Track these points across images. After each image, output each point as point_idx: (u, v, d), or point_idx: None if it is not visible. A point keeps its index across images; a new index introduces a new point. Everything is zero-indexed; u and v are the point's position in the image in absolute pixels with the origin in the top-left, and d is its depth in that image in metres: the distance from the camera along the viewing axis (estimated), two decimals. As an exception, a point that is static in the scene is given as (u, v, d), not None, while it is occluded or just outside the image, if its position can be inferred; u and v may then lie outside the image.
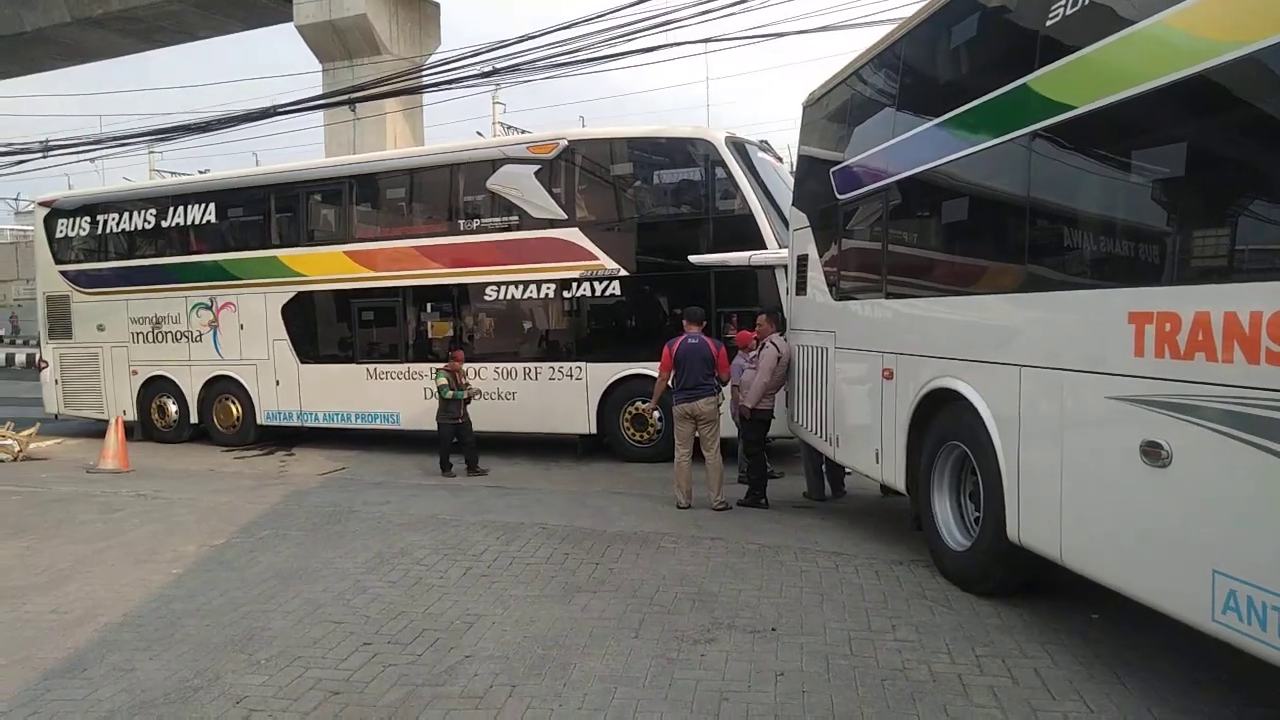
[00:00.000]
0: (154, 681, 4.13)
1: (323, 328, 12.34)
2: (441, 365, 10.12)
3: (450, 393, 9.77)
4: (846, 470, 7.79)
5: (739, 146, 10.30)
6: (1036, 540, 4.35)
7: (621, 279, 10.41)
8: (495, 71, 14.92)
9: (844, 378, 6.92)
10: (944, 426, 5.34)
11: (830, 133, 7.77)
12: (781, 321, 8.33)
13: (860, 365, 6.55)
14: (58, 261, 13.96)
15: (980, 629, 4.51)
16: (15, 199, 47.62)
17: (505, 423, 11.08)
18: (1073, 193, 4.31)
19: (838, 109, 7.51)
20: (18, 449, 11.67)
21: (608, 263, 10.41)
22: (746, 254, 9.67)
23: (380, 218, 12.42)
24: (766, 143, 11.52)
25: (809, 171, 8.16)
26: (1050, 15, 4.29)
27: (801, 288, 8.01)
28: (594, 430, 10.57)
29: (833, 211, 7.23)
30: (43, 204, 14.40)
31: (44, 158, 19.92)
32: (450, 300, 11.53)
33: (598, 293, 10.53)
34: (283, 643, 4.56)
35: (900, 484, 5.92)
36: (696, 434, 7.68)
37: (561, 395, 10.55)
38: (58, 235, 13.99)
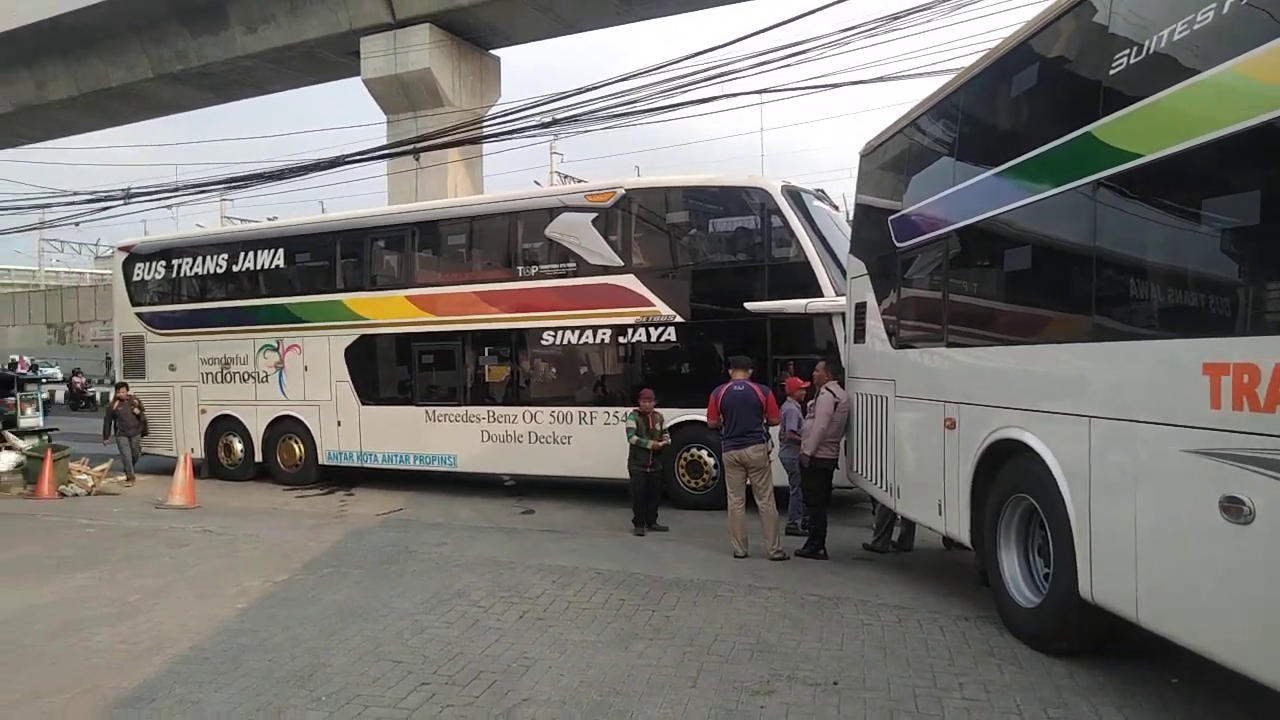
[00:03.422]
0: (219, 715, 4.19)
1: (383, 370, 12.60)
2: (632, 408, 9.27)
3: (635, 438, 8.90)
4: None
5: (794, 195, 10.37)
6: (1110, 598, 4.21)
7: (677, 325, 10.47)
8: (555, 122, 15.31)
9: (904, 427, 6.83)
10: (1010, 478, 5.23)
11: (888, 181, 7.78)
12: (839, 370, 8.29)
13: (921, 414, 6.47)
14: (134, 304, 14.55)
15: (1053, 690, 4.36)
16: (95, 244, 50.09)
17: (561, 466, 11.15)
18: (1141, 242, 4.24)
19: (895, 158, 7.54)
20: (91, 484, 12.09)
21: (663, 309, 10.49)
22: (803, 301, 9.67)
23: (441, 264, 12.73)
24: (822, 191, 11.57)
25: (866, 220, 8.17)
26: (1114, 64, 4.28)
27: (860, 336, 7.97)
28: (649, 476, 10.53)
29: (891, 259, 7.21)
30: (122, 248, 15.06)
31: (125, 204, 20.93)
32: (508, 345, 11.71)
33: (653, 339, 10.60)
34: (343, 680, 4.60)
35: (964, 537, 5.79)
36: (748, 481, 7.64)
37: (616, 440, 10.55)
38: (135, 278, 14.60)
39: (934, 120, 6.80)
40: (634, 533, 8.82)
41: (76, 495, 11.76)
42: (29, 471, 12.05)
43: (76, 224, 26.51)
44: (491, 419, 11.52)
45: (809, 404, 8.11)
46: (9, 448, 12.40)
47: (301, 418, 12.90)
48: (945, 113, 6.54)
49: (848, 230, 9.83)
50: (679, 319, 10.45)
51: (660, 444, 9.08)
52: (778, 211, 10.06)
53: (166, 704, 4.34)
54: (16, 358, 30.06)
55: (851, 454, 8.06)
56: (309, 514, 10.60)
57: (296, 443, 13.02)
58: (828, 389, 7.74)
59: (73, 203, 23.11)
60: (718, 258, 10.95)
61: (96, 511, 10.36)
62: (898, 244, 7.04)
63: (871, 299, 7.67)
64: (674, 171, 11.34)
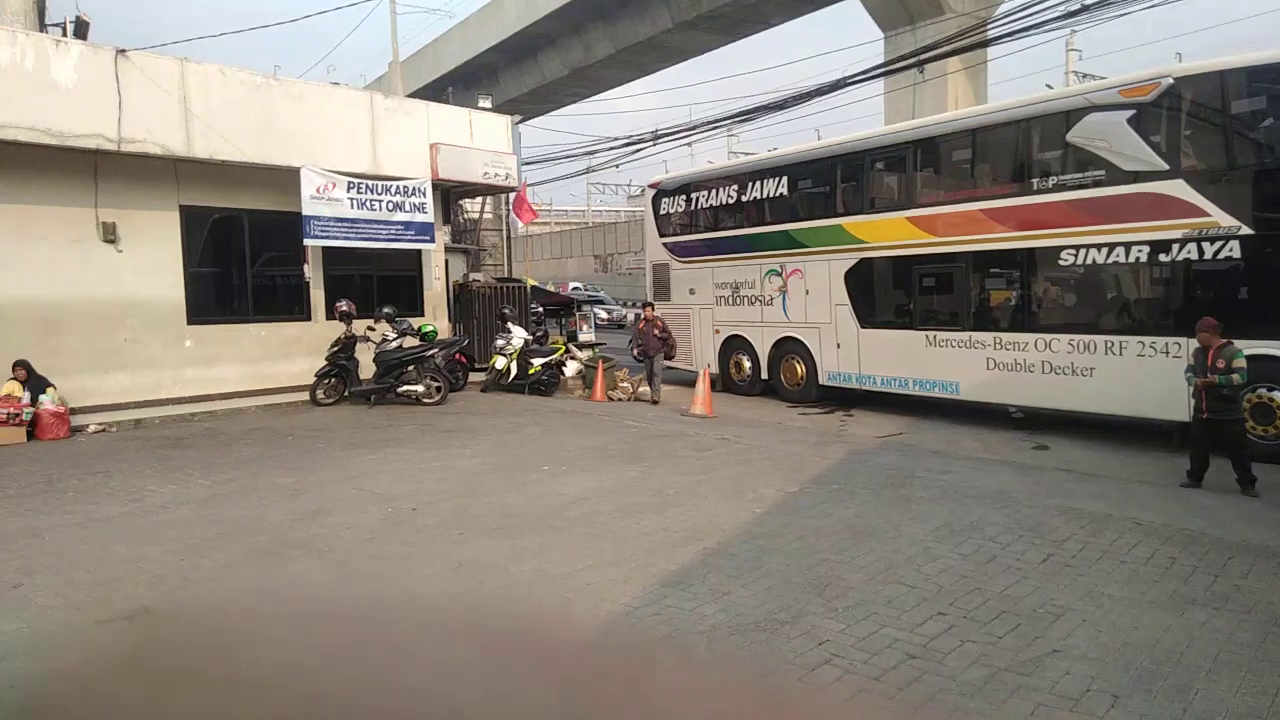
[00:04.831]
0: (746, 608, 4.55)
1: (882, 294, 12.52)
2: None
3: (1187, 374, 7.70)
4: None
5: None
6: None
7: (1241, 239, 8.60)
8: (1082, 9, 13.37)
9: None
10: None
11: None
12: None
13: None
14: (661, 235, 16.40)
15: None
16: (627, 185, 58.10)
17: (1080, 401, 10.05)
18: None
19: None
20: (631, 390, 14.13)
21: (1222, 219, 8.69)
22: None
23: (943, 182, 12.10)
24: None
25: None
26: None
27: None
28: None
29: None
30: (650, 186, 17.03)
31: (654, 145, 23.63)
32: (1017, 266, 10.75)
33: (1206, 255, 8.86)
34: (857, 595, 4.69)
35: None
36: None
37: (1153, 375, 9.15)
38: (661, 212, 16.42)
39: None
40: (1182, 484, 7.52)
41: (621, 400, 13.84)
42: (585, 378, 14.52)
43: (617, 166, 30.80)
44: (998, 346, 10.77)
45: None
46: (573, 358, 15.04)
47: (803, 339, 13.47)
48: None
49: None
50: (1244, 230, 8.57)
51: (1207, 381, 7.27)
52: None
53: (701, 590, 4.84)
54: (579, 286, 35.72)
55: None
56: (811, 430, 11.07)
57: (798, 363, 13.66)
58: None
59: (612, 148, 26.81)
60: (1303, 152, 8.68)
61: (636, 415, 12.02)
62: None
63: None
64: (1233, 54, 9.13)
